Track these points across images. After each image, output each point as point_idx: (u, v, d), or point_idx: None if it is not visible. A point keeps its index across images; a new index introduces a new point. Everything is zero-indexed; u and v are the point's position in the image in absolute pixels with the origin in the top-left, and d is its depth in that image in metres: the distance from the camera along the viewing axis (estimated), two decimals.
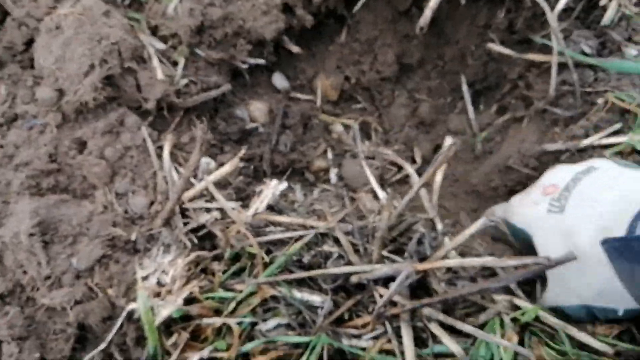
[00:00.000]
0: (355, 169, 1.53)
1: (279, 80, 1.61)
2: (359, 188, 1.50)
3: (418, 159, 1.59)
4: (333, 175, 1.51)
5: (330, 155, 1.58)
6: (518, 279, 1.12)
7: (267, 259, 1.13)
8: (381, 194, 1.37)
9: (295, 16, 1.50)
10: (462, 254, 1.22)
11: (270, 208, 1.30)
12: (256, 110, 1.55)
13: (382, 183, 1.57)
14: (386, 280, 1.19)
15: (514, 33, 1.52)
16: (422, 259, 1.21)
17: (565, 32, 1.40)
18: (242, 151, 1.23)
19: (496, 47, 1.46)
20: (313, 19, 1.53)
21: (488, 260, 1.15)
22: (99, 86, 1.29)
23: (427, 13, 1.44)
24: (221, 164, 1.33)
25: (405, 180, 1.59)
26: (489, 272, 1.22)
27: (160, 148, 1.32)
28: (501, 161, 1.45)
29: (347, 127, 1.64)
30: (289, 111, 1.59)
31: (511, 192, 1.36)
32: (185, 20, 1.41)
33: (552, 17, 1.36)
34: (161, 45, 1.42)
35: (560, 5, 1.37)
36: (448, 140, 1.28)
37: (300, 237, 1.19)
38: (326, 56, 1.66)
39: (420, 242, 1.17)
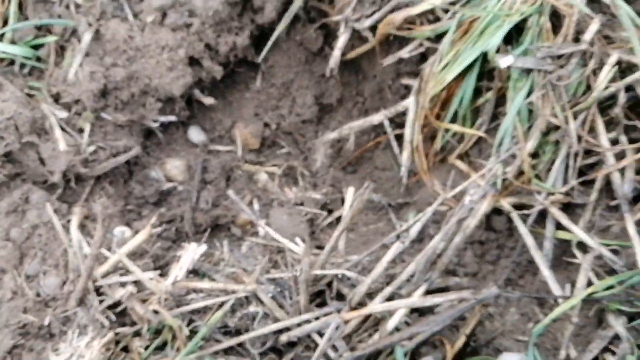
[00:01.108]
0: (283, 219, 1.55)
1: (195, 134, 1.62)
2: (289, 238, 1.51)
3: (348, 200, 1.61)
4: (261, 227, 1.52)
5: (256, 206, 1.59)
6: (447, 322, 1.15)
7: (186, 331, 1.13)
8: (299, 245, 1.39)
9: (203, 68, 1.53)
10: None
11: (194, 272, 1.31)
12: (173, 168, 1.56)
13: (313, 230, 1.59)
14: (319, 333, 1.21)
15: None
16: (357, 306, 1.24)
17: None
18: (153, 219, 1.24)
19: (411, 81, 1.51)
20: (223, 69, 1.56)
21: (415, 301, 1.18)
22: None
23: (336, 53, 1.49)
24: (137, 232, 1.33)
25: (338, 222, 1.61)
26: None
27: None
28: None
29: (272, 174, 1.66)
30: (208, 165, 1.60)
31: None
32: (87, 85, 1.42)
33: None
34: (64, 114, 1.42)
35: None
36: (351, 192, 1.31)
37: (223, 303, 1.19)
38: (243, 104, 1.68)
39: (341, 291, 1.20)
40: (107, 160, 1.43)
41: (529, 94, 1.33)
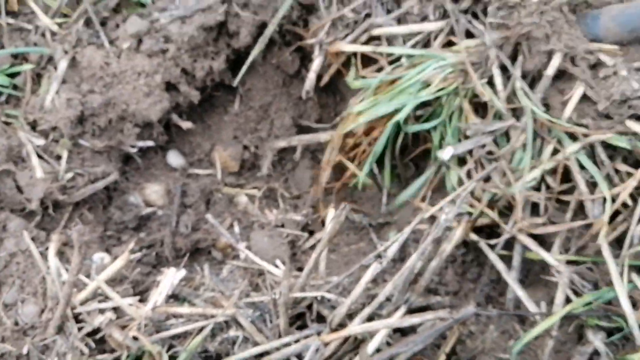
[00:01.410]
0: (264, 241, 1.57)
1: (174, 158, 1.65)
2: (270, 260, 1.53)
3: (328, 222, 1.64)
4: (241, 250, 1.54)
5: (237, 229, 1.62)
6: (427, 341, 1.17)
7: (166, 357, 1.15)
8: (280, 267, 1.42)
9: (180, 93, 1.56)
10: None
11: (174, 297, 1.32)
12: (152, 193, 1.58)
13: (295, 252, 1.61)
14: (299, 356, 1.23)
15: None
16: (337, 327, 1.26)
17: None
18: (132, 244, 1.26)
19: None
20: (200, 94, 1.59)
21: (393, 322, 1.20)
22: None
23: (311, 76, 1.52)
24: (117, 257, 1.34)
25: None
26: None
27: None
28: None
29: (252, 197, 1.69)
30: (188, 189, 1.62)
31: None
32: (63, 112, 1.44)
33: None
34: (41, 141, 1.44)
35: None
36: (331, 214, 1.38)
37: (203, 327, 1.21)
38: (221, 127, 1.71)
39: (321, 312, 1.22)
40: (85, 187, 1.45)
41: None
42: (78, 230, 1.22)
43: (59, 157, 1.46)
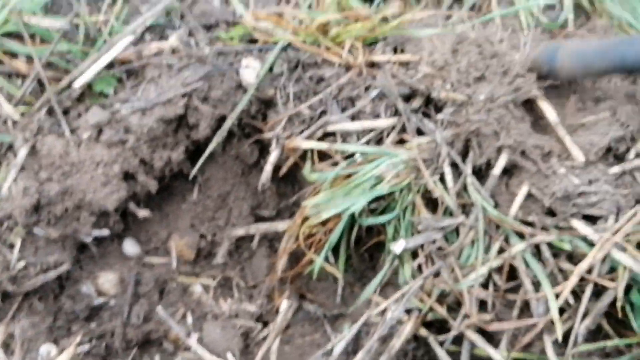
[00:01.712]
0: (217, 333, 1.57)
1: (130, 247, 1.66)
2: (222, 352, 1.53)
3: (281, 314, 1.65)
4: (193, 341, 1.54)
5: (189, 319, 1.62)
6: None
7: None
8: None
9: (138, 183, 1.58)
10: None
11: None
12: (106, 282, 1.58)
13: (248, 343, 1.61)
14: None
15: None
16: None
17: None
18: (79, 337, 1.25)
19: None
20: (158, 183, 1.61)
21: None
22: None
23: (268, 168, 1.56)
24: (64, 349, 1.34)
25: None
26: None
27: None
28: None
29: (207, 286, 1.69)
30: (142, 278, 1.63)
31: None
32: (19, 201, 1.46)
33: None
34: None
35: None
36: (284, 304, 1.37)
37: None
38: (179, 216, 1.73)
39: None
40: (36, 277, 1.45)
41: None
42: (22, 327, 1.22)
43: (11, 246, 1.47)
